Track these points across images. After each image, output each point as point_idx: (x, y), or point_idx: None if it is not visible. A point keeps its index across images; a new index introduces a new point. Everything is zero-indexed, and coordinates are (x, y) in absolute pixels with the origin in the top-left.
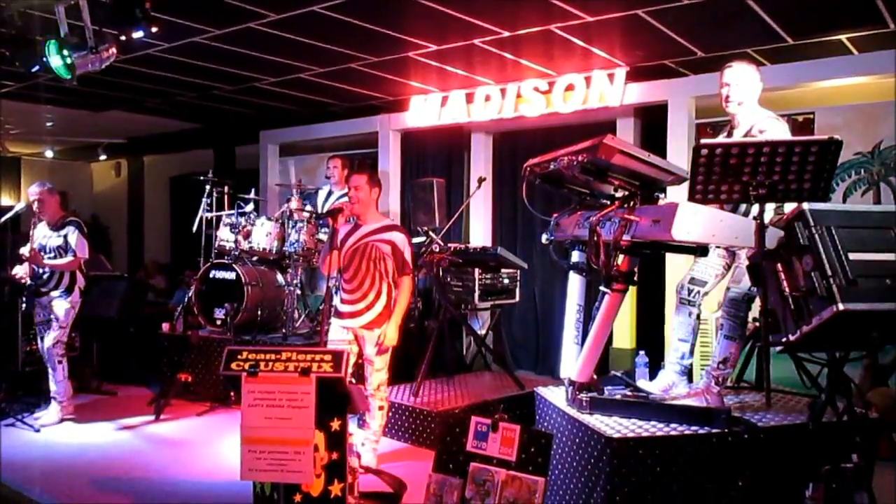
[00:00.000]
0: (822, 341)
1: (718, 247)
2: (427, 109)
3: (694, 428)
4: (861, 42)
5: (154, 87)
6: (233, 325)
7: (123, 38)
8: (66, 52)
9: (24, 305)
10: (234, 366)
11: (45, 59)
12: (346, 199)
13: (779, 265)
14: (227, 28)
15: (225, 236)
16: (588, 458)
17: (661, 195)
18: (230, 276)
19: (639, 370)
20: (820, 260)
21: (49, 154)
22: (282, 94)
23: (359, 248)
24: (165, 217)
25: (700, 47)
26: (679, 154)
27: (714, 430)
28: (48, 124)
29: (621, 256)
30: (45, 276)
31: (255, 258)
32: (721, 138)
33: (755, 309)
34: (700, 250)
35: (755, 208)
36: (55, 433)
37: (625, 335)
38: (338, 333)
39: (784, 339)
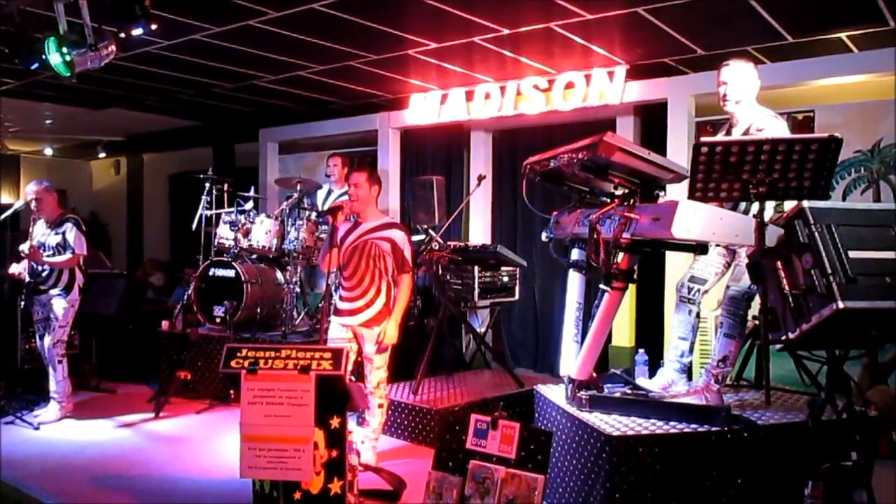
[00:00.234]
0: (822, 339)
1: (718, 245)
2: (427, 107)
3: (693, 426)
4: (861, 40)
5: (153, 84)
6: (232, 323)
7: (123, 35)
8: (65, 50)
9: (22, 303)
10: (233, 363)
11: (44, 56)
12: (345, 197)
13: (778, 263)
14: (226, 25)
15: (224, 234)
16: (588, 456)
17: (661, 193)
18: (230, 273)
19: (638, 368)
20: (820, 258)
21: (48, 152)
22: (281, 91)
23: (358, 246)
24: (165, 215)
25: (700, 45)
26: (679, 152)
27: (713, 428)
28: (47, 122)
29: (621, 254)
30: (43, 274)
31: (254, 256)
32: (720, 136)
33: (755, 307)
34: (700, 248)
35: (755, 206)
36: (54, 431)
37: (624, 333)
38: (337, 331)
39: (784, 338)
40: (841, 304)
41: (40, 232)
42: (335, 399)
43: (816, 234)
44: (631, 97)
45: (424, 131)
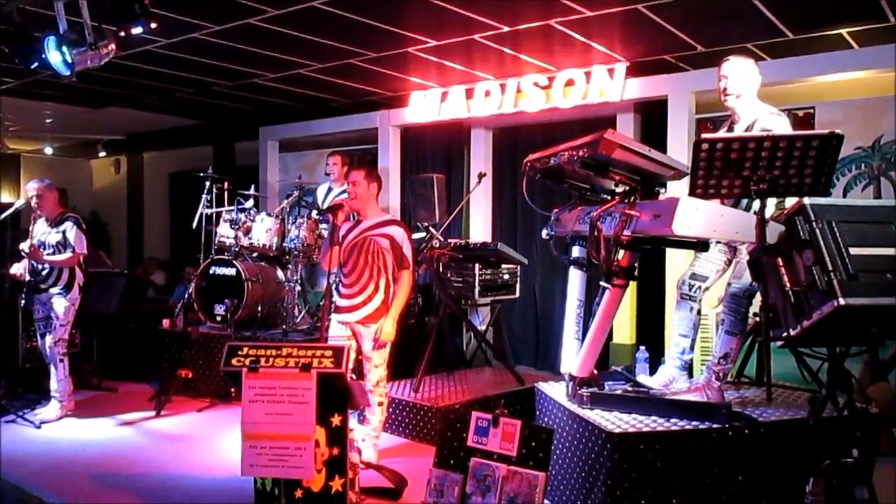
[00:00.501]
0: (823, 336)
1: (719, 242)
2: (427, 105)
3: (694, 423)
4: (861, 36)
5: (153, 83)
6: (233, 322)
7: (122, 34)
8: (65, 49)
9: (23, 302)
10: (234, 362)
11: (44, 55)
12: (345, 195)
13: (779, 260)
14: (226, 24)
15: (225, 232)
16: (589, 454)
17: (662, 190)
18: (230, 272)
19: (639, 365)
20: (821, 254)
21: (48, 151)
22: (281, 90)
23: (357, 243)
24: (165, 213)
25: (700, 42)
26: (679, 149)
27: (714, 426)
28: (47, 121)
29: (622, 251)
30: (44, 273)
31: (255, 254)
32: (722, 133)
33: (756, 304)
34: (701, 245)
35: (756, 203)
36: (55, 429)
37: (625, 330)
38: (338, 330)
39: (784, 334)
40: (842, 301)
41: (41, 230)
42: (336, 397)
43: (817, 230)
44: (631, 94)
45: (424, 129)
